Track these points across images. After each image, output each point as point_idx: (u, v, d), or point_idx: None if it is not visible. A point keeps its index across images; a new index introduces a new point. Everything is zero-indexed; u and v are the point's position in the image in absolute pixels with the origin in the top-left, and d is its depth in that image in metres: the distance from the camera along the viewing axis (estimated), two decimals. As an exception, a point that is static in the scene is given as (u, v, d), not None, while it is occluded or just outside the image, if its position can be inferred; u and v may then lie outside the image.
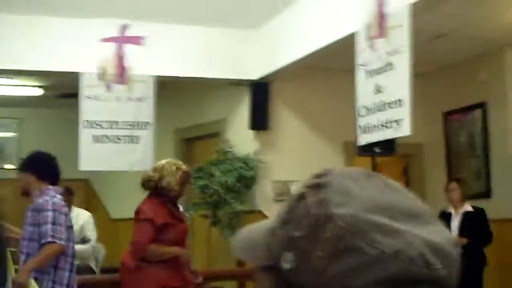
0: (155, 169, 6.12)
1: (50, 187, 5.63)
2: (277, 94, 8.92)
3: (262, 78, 8.70)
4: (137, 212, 6.06)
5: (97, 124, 8.00)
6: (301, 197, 0.98)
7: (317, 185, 0.98)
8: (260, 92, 8.80)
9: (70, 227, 5.61)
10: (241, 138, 9.21)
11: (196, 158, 10.40)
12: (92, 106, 8.01)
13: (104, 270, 9.01)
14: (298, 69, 8.39)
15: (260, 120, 8.84)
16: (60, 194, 5.71)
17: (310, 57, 7.72)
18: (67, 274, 5.52)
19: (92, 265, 8.53)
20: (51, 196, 5.55)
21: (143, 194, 10.87)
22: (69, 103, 9.90)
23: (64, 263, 5.51)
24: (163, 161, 6.19)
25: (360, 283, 0.91)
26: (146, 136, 8.20)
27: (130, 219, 11.27)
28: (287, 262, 0.95)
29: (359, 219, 0.93)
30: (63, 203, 5.65)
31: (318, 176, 1.00)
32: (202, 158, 9.87)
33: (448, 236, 0.98)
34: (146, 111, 8.20)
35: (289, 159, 8.91)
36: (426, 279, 0.92)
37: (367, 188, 0.98)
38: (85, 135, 7.98)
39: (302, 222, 0.95)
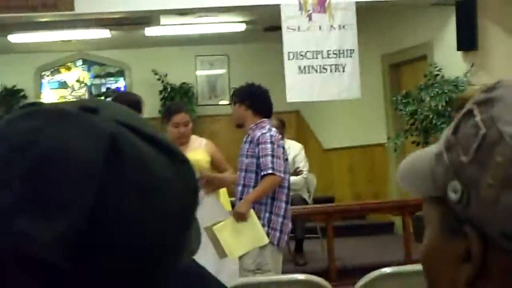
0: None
1: (265, 120, 5.67)
2: (485, 11, 8.49)
3: (467, -4, 8.33)
4: None
5: (301, 55, 7.99)
6: (469, 115, 0.84)
7: (487, 100, 0.83)
8: (467, 10, 8.43)
9: (285, 160, 5.64)
10: (449, 60, 8.91)
11: (403, 83, 10.21)
12: (295, 38, 8.00)
13: (316, 201, 9.12)
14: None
15: (468, 40, 8.49)
16: (274, 127, 5.77)
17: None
18: (283, 205, 5.59)
19: (305, 196, 8.62)
20: (268, 129, 5.58)
21: (355, 123, 10.91)
22: (273, 36, 9.96)
23: (281, 194, 5.57)
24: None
25: None
26: (352, 63, 8.11)
27: (342, 148, 11.43)
28: (454, 192, 0.82)
29: None
30: (279, 136, 5.69)
31: (489, 89, 0.85)
32: (409, 83, 9.68)
33: None
34: (350, 39, 8.09)
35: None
36: None
37: None
38: (291, 66, 8.00)
39: (469, 144, 0.82)
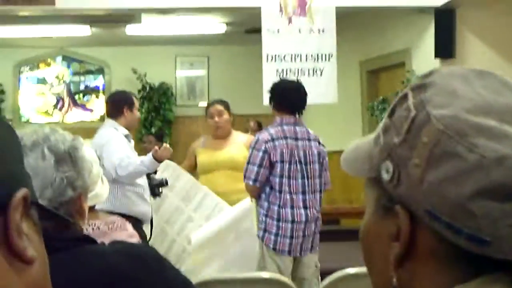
0: None
1: (278, 118, 5.57)
2: (463, 20, 8.58)
3: (446, 4, 8.39)
4: None
5: (280, 58, 8.02)
6: (404, 99, 0.89)
7: (420, 85, 0.88)
8: (445, 19, 8.51)
9: (282, 162, 5.41)
10: (426, 67, 8.93)
11: (381, 89, 10.28)
12: (275, 40, 8.03)
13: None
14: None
15: (445, 48, 8.56)
16: (291, 124, 5.57)
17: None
18: (276, 208, 5.42)
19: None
20: (267, 129, 5.54)
21: (331, 128, 10.94)
22: (253, 38, 9.99)
23: (273, 198, 5.43)
24: None
25: (459, 193, 0.80)
26: (330, 68, 8.14)
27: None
28: (386, 172, 0.87)
29: (460, 121, 0.82)
30: (271, 136, 5.43)
31: (424, 76, 0.90)
32: (387, 89, 9.74)
33: None
34: (329, 43, 8.12)
35: (478, 88, 8.58)
36: None
37: (478, 88, 0.86)
38: (269, 69, 8.02)
39: (401, 126, 0.86)
